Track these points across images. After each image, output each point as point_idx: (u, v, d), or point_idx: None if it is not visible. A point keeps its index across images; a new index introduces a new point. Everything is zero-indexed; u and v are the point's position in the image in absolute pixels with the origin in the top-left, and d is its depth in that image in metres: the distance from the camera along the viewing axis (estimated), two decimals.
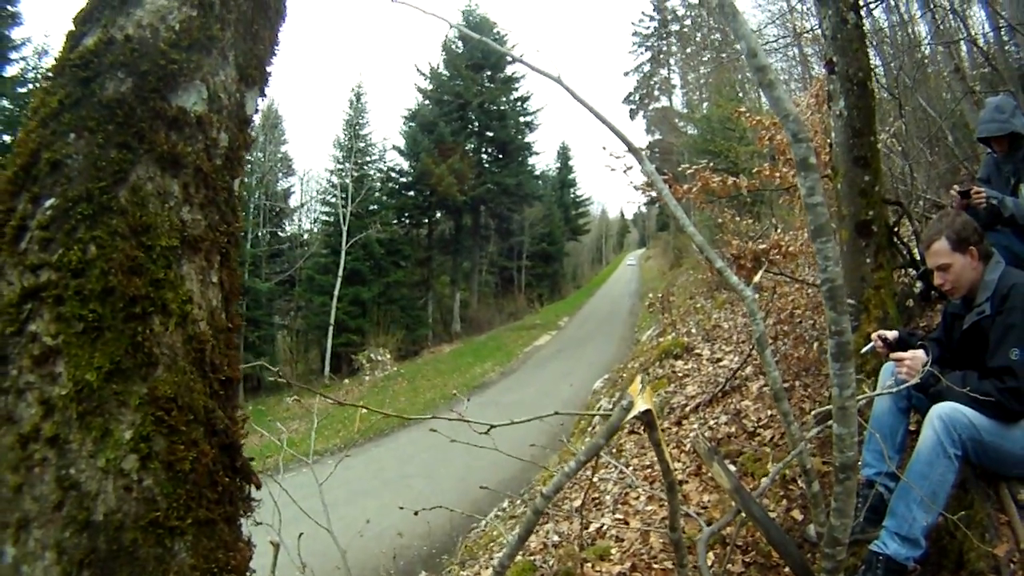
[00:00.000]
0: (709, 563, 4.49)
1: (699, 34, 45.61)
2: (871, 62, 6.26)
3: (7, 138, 20.05)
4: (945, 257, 3.57)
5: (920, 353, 3.49)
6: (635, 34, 53.68)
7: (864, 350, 4.10)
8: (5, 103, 21.70)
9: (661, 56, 52.95)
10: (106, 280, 1.51)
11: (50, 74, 1.69)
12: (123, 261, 1.54)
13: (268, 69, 2.07)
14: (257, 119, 2.07)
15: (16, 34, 22.74)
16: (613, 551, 5.22)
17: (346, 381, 31.22)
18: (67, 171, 1.56)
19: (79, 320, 1.48)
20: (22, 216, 1.55)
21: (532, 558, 5.76)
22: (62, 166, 1.56)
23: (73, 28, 1.73)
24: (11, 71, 22.61)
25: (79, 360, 1.47)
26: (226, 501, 1.70)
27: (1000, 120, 5.03)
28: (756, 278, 4.72)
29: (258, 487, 1.87)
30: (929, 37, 13.89)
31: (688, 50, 48.54)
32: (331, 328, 35.90)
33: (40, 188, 1.56)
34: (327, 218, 41.78)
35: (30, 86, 21.33)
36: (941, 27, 12.94)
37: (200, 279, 1.71)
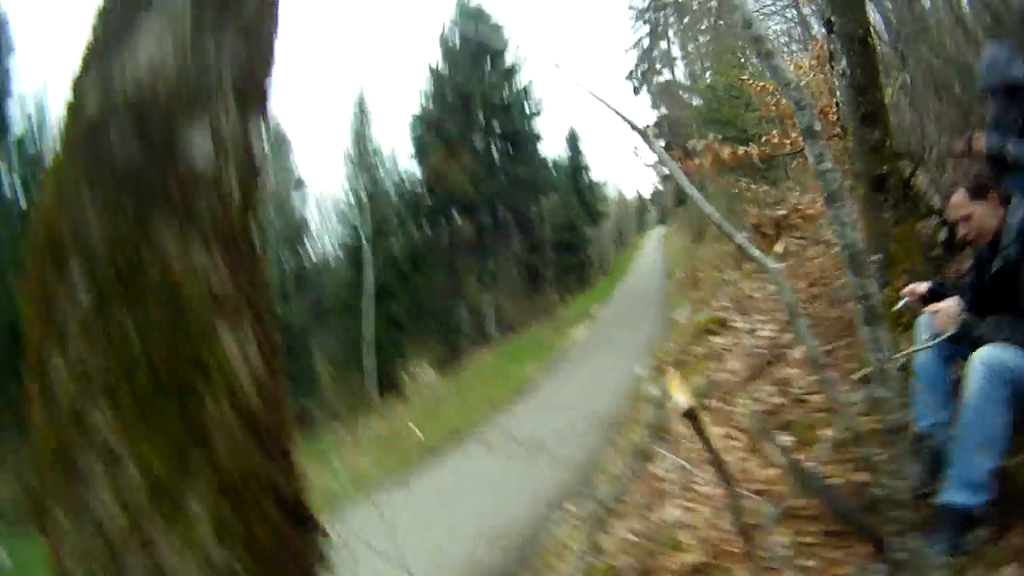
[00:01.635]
0: (784, 538, 4.53)
1: (695, 3, 45.20)
2: (870, 18, 6.27)
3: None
4: (965, 207, 3.63)
5: (952, 302, 3.54)
6: (631, 8, 53.32)
7: (897, 307, 4.13)
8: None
9: (659, 29, 52.51)
10: (154, 372, 1.53)
11: (58, 150, 1.71)
12: (166, 343, 1.55)
13: (268, 112, 2.05)
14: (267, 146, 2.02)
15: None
16: (686, 540, 5.24)
17: (396, 402, 31.19)
18: (93, 251, 1.56)
19: (140, 420, 1.51)
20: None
21: (607, 559, 5.78)
22: (89, 247, 1.57)
23: (71, 96, 1.74)
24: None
25: (142, 453, 1.50)
26: (301, 559, 1.72)
27: (997, 70, 5.06)
28: (778, 247, 4.77)
29: (326, 537, 1.86)
30: None
31: (686, 20, 48.16)
32: (371, 346, 36.06)
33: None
34: (349, 240, 41.94)
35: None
36: None
37: (236, 340, 1.69)
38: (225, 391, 1.63)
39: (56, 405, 1.55)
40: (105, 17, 1.80)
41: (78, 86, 1.74)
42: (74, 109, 1.72)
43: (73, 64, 1.78)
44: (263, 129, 2.00)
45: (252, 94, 1.95)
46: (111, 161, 1.62)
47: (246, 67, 1.92)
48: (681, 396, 2.07)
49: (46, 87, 29.40)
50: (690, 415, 2.07)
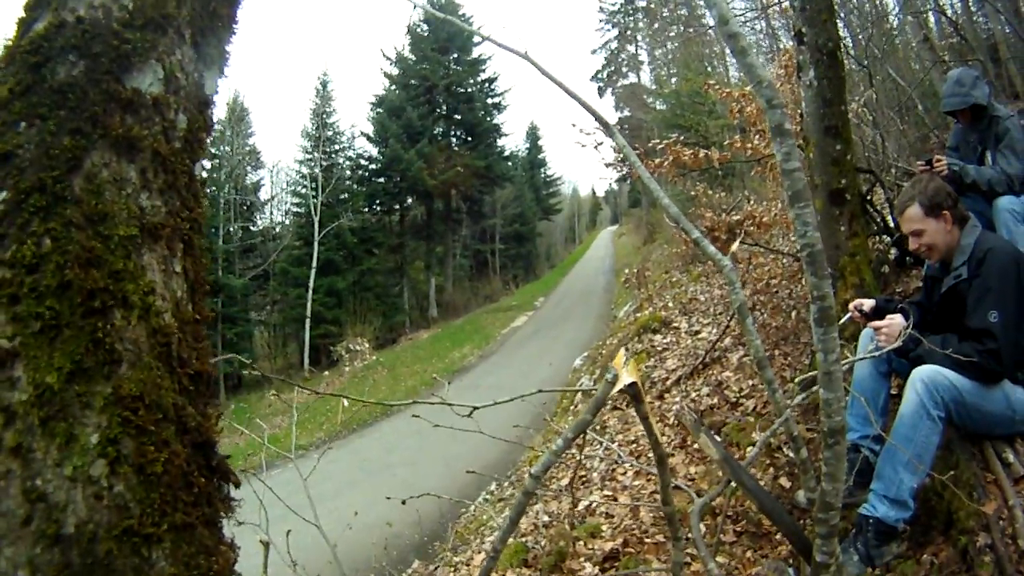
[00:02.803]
0: (701, 533, 4.53)
1: (665, 9, 45.47)
2: (840, 33, 6.30)
3: None
4: (918, 223, 3.62)
5: (898, 319, 3.54)
6: (601, 10, 53.53)
7: (841, 321, 4.14)
8: None
9: (628, 32, 52.81)
10: (62, 275, 1.44)
11: (0, 64, 1.62)
12: (80, 253, 1.47)
13: (227, 48, 2.00)
14: (222, 112, 1.99)
15: None
16: (604, 528, 5.25)
17: (326, 373, 31.16)
18: (18, 162, 1.49)
19: (36, 319, 1.41)
20: None
21: (523, 539, 5.77)
22: (13, 157, 1.49)
23: (24, 14, 1.66)
24: None
25: (38, 362, 1.39)
26: (204, 503, 1.63)
27: (961, 94, 5.16)
28: (733, 248, 4.74)
29: (237, 486, 1.80)
30: (897, 7, 13.98)
31: (655, 25, 48.45)
32: (308, 320, 35.81)
33: None
34: (298, 209, 41.43)
35: None
36: None
37: (162, 269, 1.65)
38: (140, 311, 1.56)
39: None
40: None
41: (31, 5, 1.68)
42: (22, 25, 1.65)
43: None
44: (218, 66, 1.97)
45: (211, 28, 1.92)
46: (51, 77, 1.56)
47: (208, 6, 1.89)
48: (625, 371, 1.99)
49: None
50: (632, 390, 1.99)
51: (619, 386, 1.99)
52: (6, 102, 1.54)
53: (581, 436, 2.16)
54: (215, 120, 1.99)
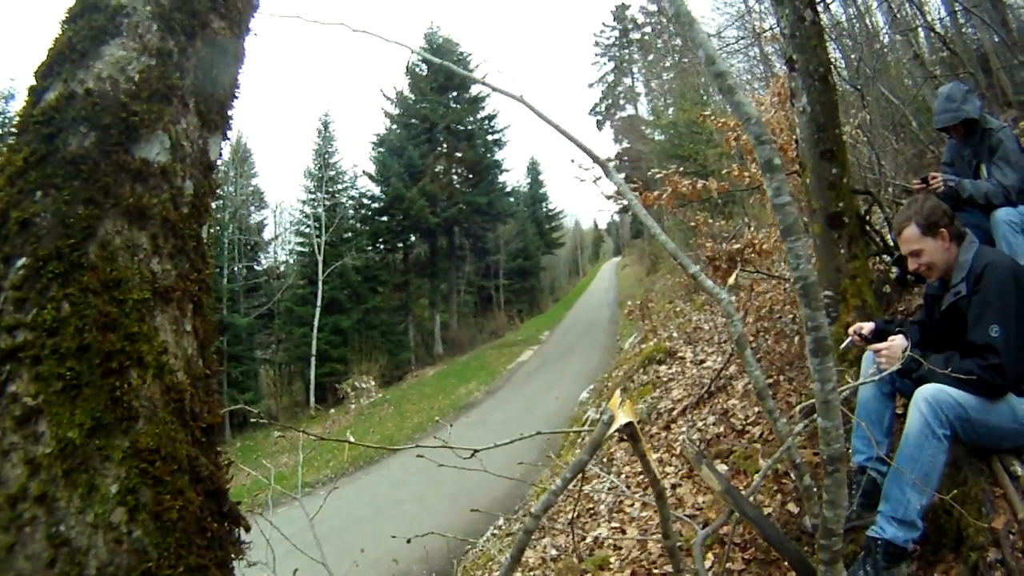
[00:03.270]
0: (709, 564, 4.50)
1: (660, 41, 45.90)
2: (831, 56, 6.33)
3: None
4: (916, 243, 3.62)
5: (899, 340, 3.53)
6: (597, 44, 54.06)
7: (843, 346, 4.14)
8: None
9: (624, 65, 53.39)
10: (81, 337, 1.51)
11: (14, 130, 1.69)
12: (97, 317, 1.54)
13: (230, 113, 2.08)
14: (226, 154, 2.05)
15: None
16: (612, 560, 5.23)
17: (332, 411, 31.13)
18: (36, 230, 1.56)
19: (57, 379, 1.48)
20: None
21: (532, 574, 5.74)
22: (31, 225, 1.56)
23: (35, 83, 1.73)
24: None
25: (60, 418, 1.47)
26: (216, 547, 1.70)
27: (952, 109, 5.19)
28: (731, 280, 4.75)
29: (247, 530, 1.87)
30: (887, 26, 14.08)
31: (650, 57, 48.92)
32: (313, 359, 35.78)
33: (11, 248, 1.55)
34: (302, 249, 41.49)
35: None
36: (898, 16, 13.13)
37: (174, 329, 1.72)
38: (154, 370, 1.64)
39: None
40: (75, 15, 1.81)
41: (41, 74, 1.75)
42: (34, 94, 1.73)
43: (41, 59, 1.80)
44: (221, 131, 2.05)
45: (214, 96, 2.00)
46: (64, 148, 1.63)
47: (210, 74, 1.98)
48: (621, 412, 1.99)
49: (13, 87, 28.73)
50: (628, 430, 1.99)
51: (615, 427, 2.00)
52: (22, 171, 1.62)
53: (585, 471, 2.16)
54: (218, 176, 2.06)
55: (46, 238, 1.55)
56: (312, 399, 35.31)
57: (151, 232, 1.70)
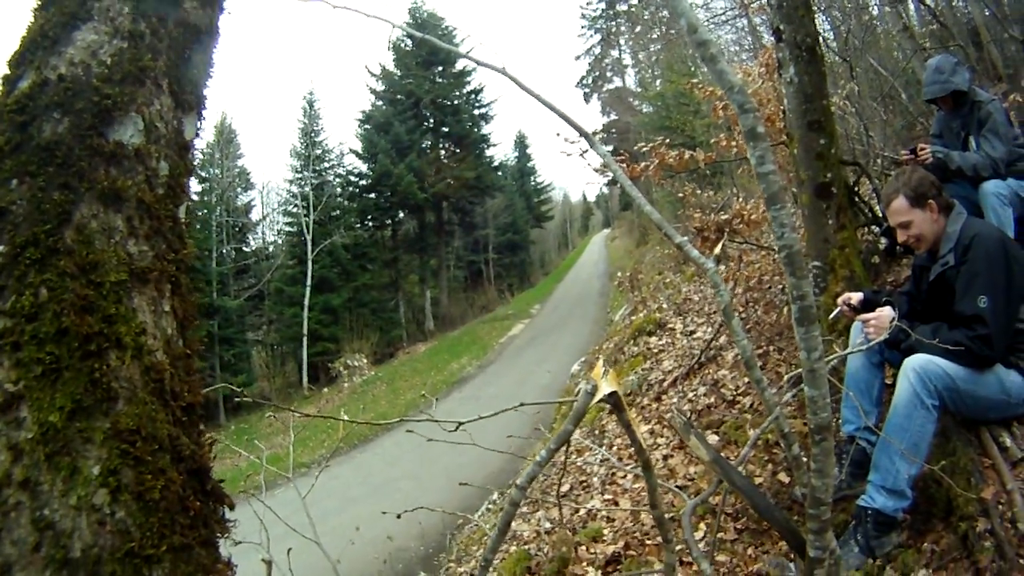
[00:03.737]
0: (700, 534, 4.54)
1: (647, 12, 45.58)
2: (820, 27, 6.30)
3: None
4: (904, 214, 3.63)
5: (887, 311, 3.55)
6: (584, 17, 53.72)
7: (831, 316, 4.16)
8: None
9: (611, 37, 53.02)
10: (59, 321, 1.53)
11: None
12: (74, 301, 1.56)
13: (204, 92, 2.09)
14: (211, 136, 2.06)
15: None
16: (605, 532, 5.26)
17: (325, 390, 31.14)
18: (12, 217, 1.57)
19: (37, 364, 1.50)
20: None
21: (526, 547, 5.78)
22: (7, 213, 1.58)
23: (8, 71, 1.74)
24: None
25: (41, 403, 1.49)
26: (200, 525, 1.72)
27: (940, 81, 5.19)
28: (717, 249, 4.75)
29: (231, 508, 1.89)
30: None
31: (637, 29, 48.58)
32: (305, 338, 35.73)
33: None
34: (290, 229, 41.31)
35: None
36: None
37: (152, 310, 1.74)
38: (133, 351, 1.65)
39: None
40: (47, 2, 1.83)
41: (14, 63, 1.77)
42: (7, 83, 1.75)
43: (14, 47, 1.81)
44: (196, 111, 2.07)
45: (188, 76, 2.01)
46: (38, 135, 1.65)
47: (183, 54, 1.98)
48: (604, 382, 2.00)
49: None
50: (611, 400, 2.00)
51: (598, 397, 2.00)
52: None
53: (576, 443, 2.17)
54: (204, 143, 2.05)
55: (23, 225, 1.57)
56: (305, 379, 35.26)
57: (127, 214, 1.71)
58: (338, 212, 41.24)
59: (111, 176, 1.69)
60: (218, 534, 1.80)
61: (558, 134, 7.75)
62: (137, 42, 1.82)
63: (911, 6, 13.10)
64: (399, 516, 3.52)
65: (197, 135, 2.06)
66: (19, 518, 1.43)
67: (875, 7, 13.75)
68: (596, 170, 9.29)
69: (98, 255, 1.62)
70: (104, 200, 1.67)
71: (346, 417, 2.78)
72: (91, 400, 1.53)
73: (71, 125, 1.66)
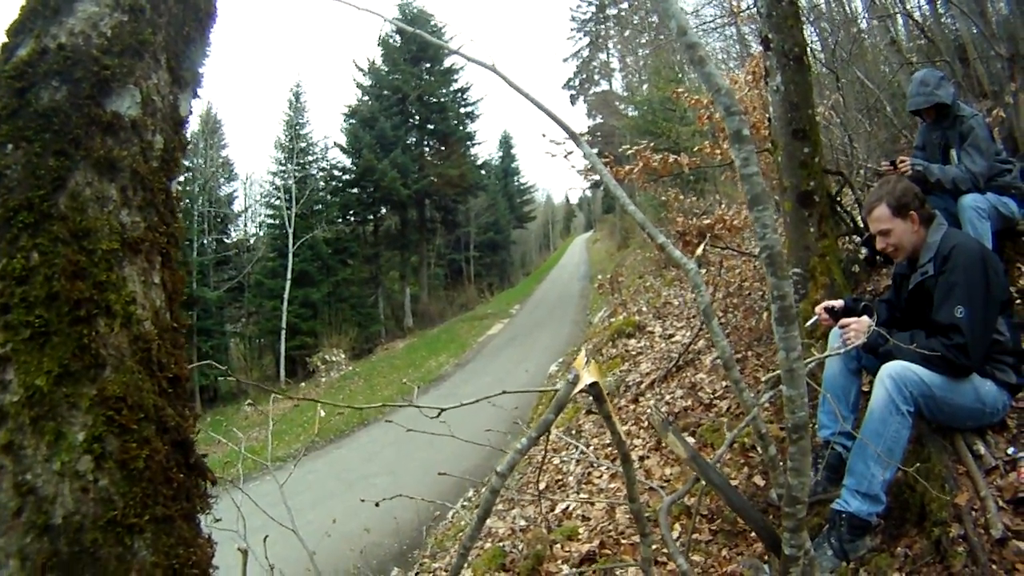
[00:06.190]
0: (676, 534, 4.57)
1: (636, 17, 45.68)
2: (808, 38, 6.35)
3: None
4: (886, 223, 3.68)
5: (865, 318, 3.60)
6: (573, 19, 53.79)
7: (809, 323, 4.20)
8: None
9: (600, 40, 53.10)
10: (50, 286, 1.54)
11: None
12: (66, 266, 1.56)
13: (201, 70, 2.09)
14: (195, 124, 2.07)
15: None
16: (581, 530, 5.29)
17: (302, 384, 31.03)
18: (7, 181, 1.57)
19: (26, 327, 1.51)
20: None
21: (501, 544, 5.80)
22: (1, 177, 1.58)
23: (7, 39, 1.74)
24: None
25: (28, 366, 1.49)
26: (182, 498, 1.73)
27: (925, 93, 5.26)
28: (698, 251, 4.79)
29: (213, 483, 1.90)
30: (865, 11, 14.08)
31: (626, 33, 48.66)
32: (283, 332, 35.61)
33: None
34: (272, 221, 41.11)
35: None
36: (876, 1, 13.12)
37: (142, 280, 1.74)
38: (122, 319, 1.66)
39: None
40: None
41: (13, 31, 1.76)
42: (6, 50, 1.74)
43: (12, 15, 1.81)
44: (192, 88, 2.07)
45: (185, 52, 2.02)
46: (36, 102, 1.65)
47: (182, 31, 1.99)
48: (586, 372, 2.02)
49: None
50: (593, 390, 2.02)
51: (580, 386, 2.02)
52: None
53: (555, 441, 2.18)
54: (188, 135, 2.07)
55: (17, 189, 1.57)
56: (283, 373, 35.16)
57: (121, 184, 1.72)
58: (320, 206, 41.09)
59: (107, 145, 1.70)
60: (199, 509, 1.82)
61: (544, 135, 7.76)
62: (137, 16, 1.82)
63: (899, 20, 13.19)
64: (378, 504, 3.54)
65: (191, 112, 2.06)
66: (1, 482, 1.44)
67: (864, 20, 13.83)
68: (581, 172, 9.31)
69: (91, 222, 1.63)
70: (99, 169, 1.68)
71: (327, 402, 2.78)
72: (78, 366, 1.54)
73: (69, 93, 1.66)
